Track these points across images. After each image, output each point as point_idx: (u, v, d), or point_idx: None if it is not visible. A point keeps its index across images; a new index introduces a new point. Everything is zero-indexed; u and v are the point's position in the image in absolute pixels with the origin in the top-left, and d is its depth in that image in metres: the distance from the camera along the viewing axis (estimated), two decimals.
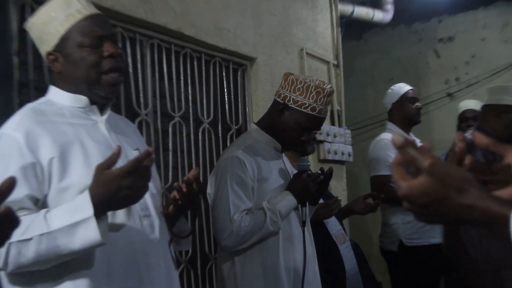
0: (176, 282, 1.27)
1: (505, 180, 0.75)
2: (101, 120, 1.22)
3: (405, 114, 2.82)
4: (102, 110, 1.24)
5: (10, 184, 0.79)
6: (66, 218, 1.04)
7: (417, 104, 2.84)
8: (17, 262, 1.04)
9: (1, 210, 0.77)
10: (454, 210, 0.62)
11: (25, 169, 1.08)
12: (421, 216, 0.65)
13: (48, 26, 1.19)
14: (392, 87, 2.94)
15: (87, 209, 1.03)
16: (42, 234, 1.03)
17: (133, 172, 1.02)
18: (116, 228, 1.12)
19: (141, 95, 2.10)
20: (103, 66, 1.18)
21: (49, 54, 1.20)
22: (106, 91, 1.19)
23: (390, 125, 2.87)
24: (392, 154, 2.72)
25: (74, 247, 1.05)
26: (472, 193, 0.61)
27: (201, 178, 2.42)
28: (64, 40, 1.18)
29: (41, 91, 1.31)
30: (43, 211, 1.07)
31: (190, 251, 2.23)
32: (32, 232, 1.03)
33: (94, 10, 1.22)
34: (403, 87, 2.87)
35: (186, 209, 1.33)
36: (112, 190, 1.03)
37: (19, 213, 1.05)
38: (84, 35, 1.17)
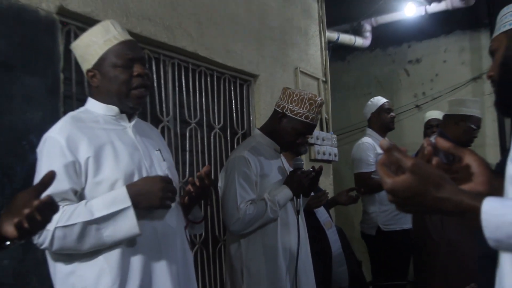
0: (190, 259, 1.26)
1: (464, 178, 0.75)
2: (129, 126, 1.22)
3: (382, 122, 2.81)
4: (130, 118, 1.23)
5: (51, 177, 0.79)
6: (107, 208, 1.04)
7: (392, 114, 2.84)
8: (61, 244, 1.03)
9: (45, 198, 0.77)
10: (433, 202, 0.61)
11: (67, 167, 1.08)
12: (403, 207, 0.65)
13: (90, 48, 1.19)
14: (371, 99, 2.93)
15: (125, 200, 1.04)
16: (86, 221, 1.03)
17: (166, 181, 1.07)
18: (142, 214, 1.11)
19: (164, 105, 2.09)
20: (133, 83, 1.18)
21: (88, 71, 1.20)
22: (134, 103, 1.19)
23: (369, 131, 2.86)
24: (371, 155, 2.71)
25: (114, 234, 1.05)
26: (448, 188, 0.61)
27: (212, 174, 2.42)
28: (102, 60, 1.18)
29: (82, 102, 1.30)
30: (83, 202, 1.06)
31: (203, 234, 2.21)
32: (76, 219, 1.02)
33: (127, 37, 1.22)
34: (380, 100, 2.86)
35: (199, 200, 1.31)
36: (147, 187, 1.06)
37: (63, 203, 1.05)
38: (118, 57, 1.17)
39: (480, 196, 0.60)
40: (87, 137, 1.11)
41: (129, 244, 1.09)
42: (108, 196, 1.06)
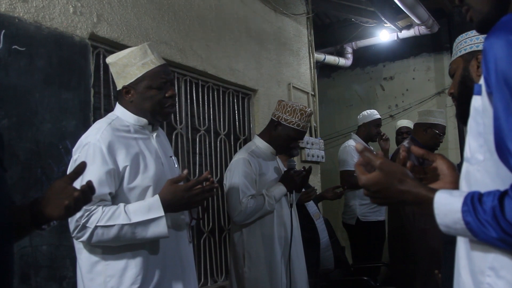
0: (190, 249, 1.24)
1: (435, 178, 0.77)
2: (152, 136, 1.20)
3: (369, 133, 2.81)
4: (153, 127, 1.22)
5: (83, 166, 0.79)
6: (143, 215, 1.04)
7: (379, 129, 2.84)
8: (99, 240, 1.03)
9: (88, 183, 0.78)
10: (396, 194, 0.62)
11: (109, 173, 1.06)
12: (375, 199, 0.65)
13: (128, 68, 1.15)
14: (368, 110, 2.89)
15: (159, 210, 1.04)
16: (124, 224, 1.02)
17: (192, 188, 1.06)
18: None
19: (178, 115, 2.10)
20: (165, 102, 1.17)
21: (124, 87, 1.16)
22: (164, 118, 1.20)
23: (354, 136, 2.87)
24: (355, 156, 2.71)
25: (146, 236, 1.04)
26: (408, 182, 0.61)
27: (218, 174, 2.41)
28: (139, 81, 1.15)
29: (109, 112, 1.30)
30: (122, 205, 1.05)
31: (211, 223, 2.21)
32: (115, 221, 1.02)
33: (162, 61, 1.19)
34: (375, 115, 2.85)
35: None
36: (177, 199, 1.06)
37: (102, 203, 1.04)
38: (154, 80, 1.15)
39: (434, 189, 0.60)
40: (124, 147, 1.10)
41: (152, 250, 1.08)
42: (144, 204, 1.05)
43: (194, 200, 1.09)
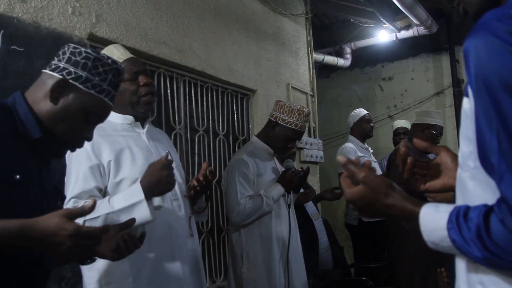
0: (197, 244, 1.24)
1: (439, 173, 0.73)
2: (143, 132, 1.21)
3: (362, 131, 2.83)
4: (143, 125, 1.22)
5: (133, 221, 0.89)
6: (125, 201, 1.04)
7: (371, 124, 2.85)
8: None
9: (142, 235, 0.93)
10: (382, 208, 0.60)
11: (93, 169, 1.08)
12: (362, 213, 0.63)
13: None
14: (354, 110, 2.94)
15: (139, 194, 1.04)
16: (108, 213, 1.03)
17: (167, 166, 1.05)
18: (155, 209, 1.11)
19: (176, 115, 2.10)
20: (140, 92, 1.17)
21: None
22: (144, 108, 1.18)
23: (351, 137, 2.88)
24: (352, 157, 2.71)
25: None
26: (394, 196, 0.59)
27: (217, 175, 2.42)
28: None
29: None
30: (106, 197, 1.06)
31: (209, 224, 2.21)
32: (100, 212, 1.02)
33: (129, 55, 1.20)
34: (362, 112, 2.88)
35: (203, 193, 1.28)
36: (155, 179, 1.05)
37: (90, 200, 1.05)
38: (124, 73, 1.15)
39: (421, 202, 0.57)
40: (109, 143, 1.11)
41: (144, 243, 1.08)
42: (126, 192, 1.06)
43: (171, 178, 1.07)
